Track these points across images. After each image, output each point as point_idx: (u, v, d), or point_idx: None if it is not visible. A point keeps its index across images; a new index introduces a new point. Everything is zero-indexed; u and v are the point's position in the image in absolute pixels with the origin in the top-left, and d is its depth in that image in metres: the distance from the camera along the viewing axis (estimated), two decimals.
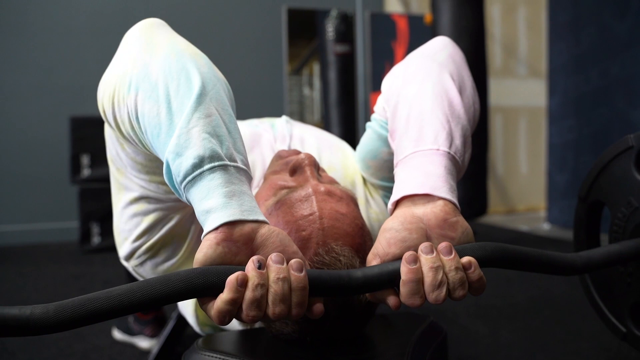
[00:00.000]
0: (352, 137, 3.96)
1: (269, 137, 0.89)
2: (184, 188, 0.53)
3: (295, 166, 0.69)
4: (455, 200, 0.56)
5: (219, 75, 0.62)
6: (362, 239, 0.63)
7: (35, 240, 3.46)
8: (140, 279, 0.81)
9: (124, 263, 0.79)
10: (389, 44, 4.27)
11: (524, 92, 4.51)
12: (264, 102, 3.96)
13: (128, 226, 0.75)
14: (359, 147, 0.84)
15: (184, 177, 0.52)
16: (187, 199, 0.54)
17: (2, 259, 2.96)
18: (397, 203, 0.58)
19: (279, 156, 0.76)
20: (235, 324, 0.72)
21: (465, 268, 0.52)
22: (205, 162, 0.52)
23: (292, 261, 0.50)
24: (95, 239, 3.13)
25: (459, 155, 0.61)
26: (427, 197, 0.56)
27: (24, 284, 2.38)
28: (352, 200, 0.67)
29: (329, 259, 0.59)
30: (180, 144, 0.52)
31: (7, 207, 3.43)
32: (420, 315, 0.71)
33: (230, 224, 0.50)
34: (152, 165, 0.68)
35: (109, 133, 0.69)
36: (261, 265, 0.48)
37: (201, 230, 0.75)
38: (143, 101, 0.57)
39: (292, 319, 0.50)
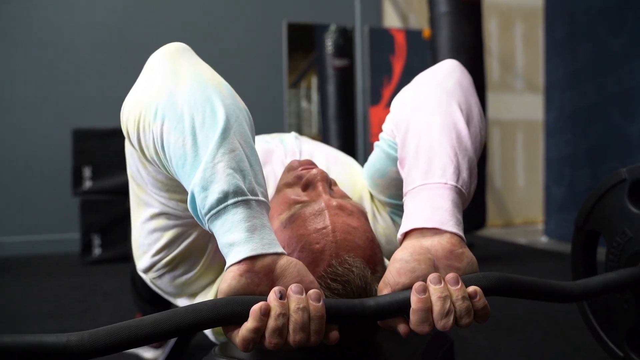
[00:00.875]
0: (351, 150, 3.99)
1: (279, 153, 0.92)
2: (208, 220, 0.56)
3: (308, 181, 0.72)
4: (461, 233, 0.60)
5: (241, 105, 0.65)
6: (373, 251, 0.66)
7: (37, 251, 3.47)
8: (157, 290, 0.83)
9: (142, 275, 0.81)
10: (388, 58, 4.32)
11: (521, 106, 4.56)
12: (264, 114, 4.00)
13: (147, 240, 0.77)
14: (367, 165, 0.87)
15: (209, 210, 0.55)
16: (209, 229, 0.57)
17: (3, 270, 2.96)
18: (406, 234, 0.61)
19: (291, 167, 0.78)
20: None
21: (471, 297, 0.55)
22: (230, 197, 0.55)
23: (311, 292, 0.53)
24: (96, 251, 3.14)
25: (465, 188, 0.64)
26: (435, 230, 0.59)
27: (25, 296, 2.38)
28: (363, 214, 0.70)
29: (342, 270, 0.61)
30: (206, 177, 0.56)
31: (9, 219, 3.44)
32: None
33: (253, 258, 0.53)
34: (173, 184, 0.70)
35: (130, 151, 0.72)
36: (282, 296, 0.52)
37: (217, 246, 0.77)
38: (169, 131, 0.60)
39: (311, 345, 0.52)
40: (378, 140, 0.83)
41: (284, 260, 0.55)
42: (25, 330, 1.86)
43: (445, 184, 0.62)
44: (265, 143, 0.94)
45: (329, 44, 4.04)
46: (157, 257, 0.76)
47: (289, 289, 0.53)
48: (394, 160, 0.78)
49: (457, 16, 2.87)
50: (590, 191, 2.99)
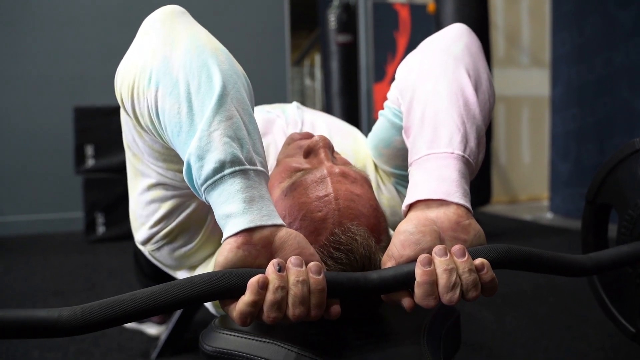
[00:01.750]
0: (354, 127, 3.96)
1: (281, 122, 0.90)
2: (205, 190, 0.54)
3: (310, 148, 0.70)
4: (468, 205, 0.57)
5: (239, 70, 0.62)
6: (377, 219, 0.64)
7: (41, 230, 3.47)
8: (157, 262, 0.82)
9: (140, 247, 0.80)
10: (392, 34, 4.26)
11: (526, 82, 4.51)
12: (267, 92, 3.96)
13: (145, 212, 0.75)
14: (371, 135, 0.84)
15: (205, 181, 0.53)
16: (206, 200, 0.55)
17: (8, 249, 2.97)
18: (411, 206, 0.59)
19: (291, 139, 0.76)
20: None
21: (478, 270, 0.53)
22: (226, 167, 0.53)
23: (311, 264, 0.51)
24: (100, 229, 3.14)
25: (473, 158, 0.61)
26: (441, 202, 0.57)
27: (30, 274, 2.39)
28: (366, 182, 0.68)
29: (345, 238, 0.59)
30: (202, 146, 0.53)
31: (12, 198, 3.44)
32: None
33: (250, 230, 0.51)
34: (170, 154, 0.68)
35: (125, 119, 0.70)
36: (281, 268, 0.50)
37: None
38: (163, 97, 0.57)
39: (311, 319, 0.51)
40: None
41: (283, 232, 0.53)
42: (30, 307, 1.87)
43: (452, 153, 0.59)
44: (266, 113, 0.92)
45: (332, 19, 3.98)
46: (155, 229, 0.74)
47: (288, 261, 0.51)
48: (399, 129, 0.75)
49: None
50: (597, 166, 2.97)
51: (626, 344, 1.41)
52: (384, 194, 0.84)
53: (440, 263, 0.52)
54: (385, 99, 0.79)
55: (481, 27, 2.88)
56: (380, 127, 0.81)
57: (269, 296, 0.49)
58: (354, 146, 0.88)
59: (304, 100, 7.05)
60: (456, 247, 0.53)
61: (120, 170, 3.12)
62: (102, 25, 3.55)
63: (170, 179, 0.70)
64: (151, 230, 0.75)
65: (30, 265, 2.56)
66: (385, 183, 0.85)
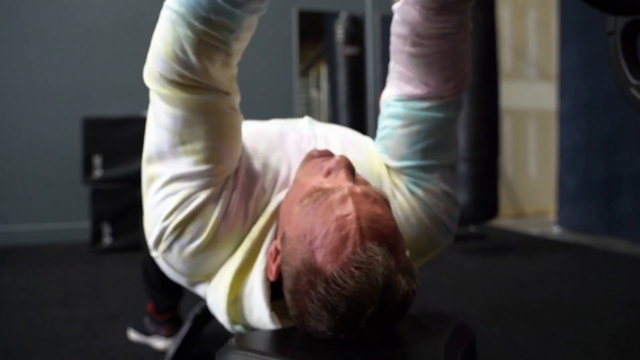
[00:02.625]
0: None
1: (295, 136, 0.91)
2: None
3: (331, 168, 0.71)
4: None
5: None
6: (396, 240, 0.64)
7: (47, 240, 3.48)
8: (170, 271, 0.82)
9: (153, 254, 0.80)
10: None
11: (533, 95, 4.50)
12: (274, 102, 3.98)
13: (158, 210, 0.77)
14: (377, 138, 0.90)
15: None
16: None
17: (14, 259, 2.98)
18: None
19: (310, 156, 0.77)
20: (266, 322, 0.73)
21: None
22: None
23: None
24: (107, 239, 3.15)
25: None
26: None
27: (36, 284, 2.39)
28: (386, 202, 0.69)
29: (366, 257, 0.59)
30: None
31: (20, 207, 3.45)
32: (448, 316, 0.72)
33: None
34: (191, 132, 0.74)
35: (154, 114, 0.76)
36: None
37: (225, 213, 0.77)
38: None
39: None
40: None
41: None
42: (36, 317, 1.87)
43: None
44: (280, 126, 0.93)
45: (340, 31, 3.99)
46: (166, 222, 0.75)
47: None
48: (397, 115, 0.82)
49: None
50: (605, 180, 2.91)
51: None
52: (398, 199, 0.85)
53: None
54: None
55: (488, 40, 2.88)
56: (380, 123, 0.87)
57: None
58: (368, 157, 0.89)
59: (310, 111, 7.07)
60: None
61: (128, 181, 3.13)
62: (111, 35, 3.57)
63: (184, 169, 0.74)
64: (162, 224, 0.76)
65: (37, 275, 2.56)
66: (398, 186, 0.86)
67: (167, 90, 0.72)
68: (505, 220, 4.26)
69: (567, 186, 3.65)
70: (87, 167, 3.12)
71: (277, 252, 0.70)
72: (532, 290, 2.15)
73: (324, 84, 6.39)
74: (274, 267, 0.70)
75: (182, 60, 0.70)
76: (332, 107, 4.22)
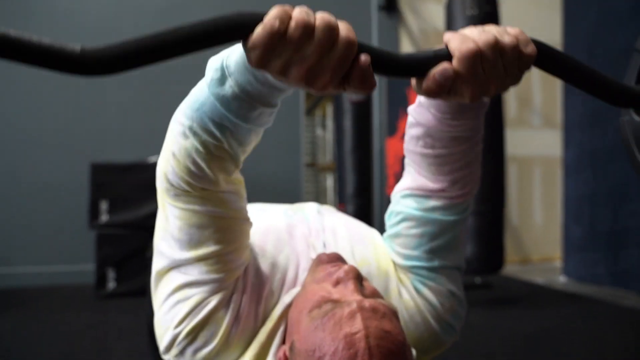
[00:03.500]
0: (367, 183, 3.97)
1: (303, 229, 0.92)
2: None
3: (340, 279, 0.72)
4: None
5: None
6: (404, 355, 0.64)
7: (52, 282, 3.48)
8: None
9: (165, 357, 0.80)
10: (404, 90, 4.33)
11: (538, 142, 4.53)
12: (281, 141, 4.00)
13: (169, 316, 0.77)
14: (386, 234, 0.91)
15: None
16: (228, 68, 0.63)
17: (18, 303, 2.97)
18: None
19: (319, 261, 0.78)
20: None
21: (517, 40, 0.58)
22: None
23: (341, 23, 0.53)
24: (111, 284, 3.15)
25: None
26: None
27: (39, 334, 2.39)
28: (394, 315, 0.69)
29: None
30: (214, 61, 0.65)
31: (26, 249, 3.46)
32: None
33: None
34: (198, 238, 0.74)
35: (162, 217, 0.77)
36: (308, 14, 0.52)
37: (236, 317, 0.78)
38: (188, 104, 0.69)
39: (332, 84, 0.53)
40: (393, 171, 0.86)
41: None
42: None
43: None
44: (288, 217, 0.94)
45: None
46: (178, 329, 0.76)
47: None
48: (404, 217, 0.83)
49: None
50: (611, 232, 2.90)
51: None
52: (404, 297, 0.85)
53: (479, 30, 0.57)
54: (397, 152, 0.85)
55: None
56: (390, 219, 0.88)
57: (293, 24, 0.50)
58: (375, 254, 0.90)
59: (315, 149, 7.12)
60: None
61: (134, 227, 3.14)
62: (121, 81, 3.64)
63: (196, 274, 0.75)
64: (175, 330, 0.76)
65: (39, 323, 2.55)
66: (405, 284, 0.86)
67: (180, 202, 0.73)
68: (511, 266, 4.23)
69: (572, 237, 3.64)
70: (94, 212, 3.14)
71: (285, 359, 0.71)
72: (538, 345, 2.13)
73: (330, 123, 6.45)
74: None
75: (194, 173, 0.71)
76: (338, 150, 4.25)
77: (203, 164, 0.70)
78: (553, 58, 0.60)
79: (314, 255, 0.86)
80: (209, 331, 0.77)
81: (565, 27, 3.74)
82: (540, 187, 4.56)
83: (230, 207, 0.76)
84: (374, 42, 4.14)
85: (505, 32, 0.56)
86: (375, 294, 0.72)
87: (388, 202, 0.92)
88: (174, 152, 0.71)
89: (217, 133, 0.68)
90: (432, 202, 0.82)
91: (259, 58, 0.52)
